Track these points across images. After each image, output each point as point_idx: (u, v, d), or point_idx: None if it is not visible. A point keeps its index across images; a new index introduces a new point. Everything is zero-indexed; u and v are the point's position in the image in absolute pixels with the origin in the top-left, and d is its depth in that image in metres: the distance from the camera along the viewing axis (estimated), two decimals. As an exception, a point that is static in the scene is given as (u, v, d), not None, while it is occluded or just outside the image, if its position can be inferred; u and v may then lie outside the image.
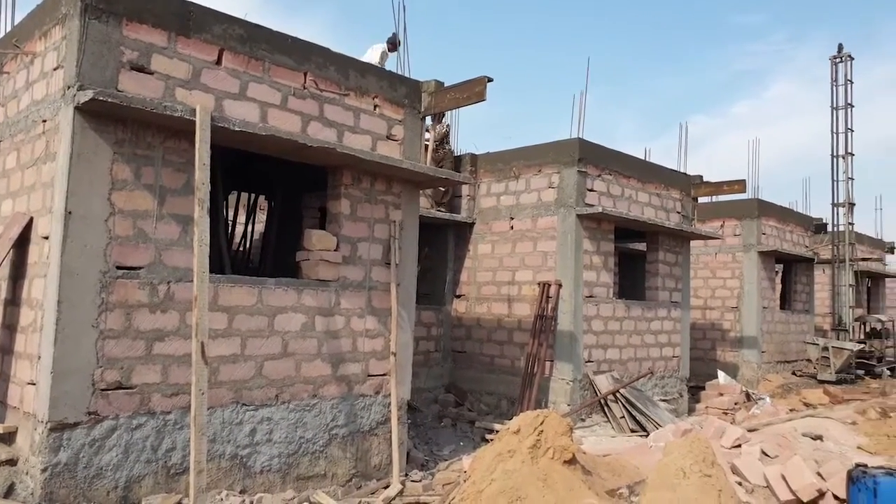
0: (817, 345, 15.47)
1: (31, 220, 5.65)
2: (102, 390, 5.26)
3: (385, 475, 7.01)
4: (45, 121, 5.59)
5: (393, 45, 12.20)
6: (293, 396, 6.44)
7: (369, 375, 7.06)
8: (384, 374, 7.16)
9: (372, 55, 11.91)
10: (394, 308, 7.16)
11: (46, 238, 5.32)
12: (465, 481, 5.91)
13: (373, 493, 6.70)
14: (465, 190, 11.92)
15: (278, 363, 6.34)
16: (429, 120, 11.17)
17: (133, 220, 5.45)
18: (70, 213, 5.12)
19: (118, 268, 5.37)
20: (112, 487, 5.30)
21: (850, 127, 16.59)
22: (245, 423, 6.09)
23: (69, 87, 5.18)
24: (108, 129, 5.32)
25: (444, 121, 12.37)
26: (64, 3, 5.42)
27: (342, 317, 6.84)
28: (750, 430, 8.82)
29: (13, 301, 5.84)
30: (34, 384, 5.25)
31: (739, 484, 6.78)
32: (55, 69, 5.50)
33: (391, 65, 11.88)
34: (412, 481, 6.98)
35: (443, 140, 12.22)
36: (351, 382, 6.91)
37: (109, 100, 5.00)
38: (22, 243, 5.70)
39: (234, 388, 6.02)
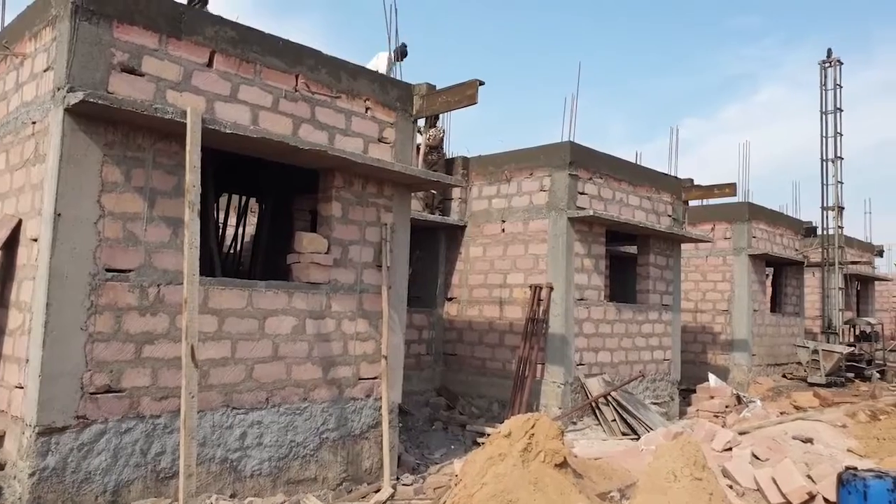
0: (807, 348, 15.54)
1: (20, 222, 5.61)
2: (91, 394, 5.22)
3: (376, 479, 6.99)
4: (34, 122, 5.55)
5: (401, 54, 12.21)
6: (284, 400, 6.42)
7: (360, 379, 7.05)
8: (375, 378, 7.14)
9: (377, 63, 11.84)
10: (385, 311, 7.14)
11: (35, 240, 5.28)
12: (456, 485, 5.90)
13: (363, 497, 6.68)
14: (456, 193, 11.92)
15: (269, 366, 6.31)
16: (421, 122, 11.18)
17: (123, 222, 5.42)
18: (59, 215, 5.08)
19: (108, 270, 5.33)
20: (101, 492, 5.26)
21: (839, 131, 16.70)
22: (235, 427, 6.06)
23: (59, 89, 5.15)
24: (99, 131, 5.29)
25: (438, 124, 12.37)
26: (54, 5, 5.39)
27: (333, 320, 6.82)
28: (740, 433, 8.85)
29: (1, 304, 5.79)
30: (22, 388, 5.20)
31: (730, 487, 6.79)
32: (45, 71, 5.47)
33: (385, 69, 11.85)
34: (403, 485, 6.97)
35: (438, 146, 12.22)
36: (342, 386, 6.89)
37: (100, 101, 4.97)
38: (10, 245, 5.66)
39: (224, 391, 5.99)
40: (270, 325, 6.32)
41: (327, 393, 6.76)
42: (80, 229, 5.19)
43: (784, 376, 16.01)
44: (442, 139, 12.33)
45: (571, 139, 10.95)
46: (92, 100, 4.93)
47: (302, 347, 6.56)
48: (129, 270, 5.45)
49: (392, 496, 6.62)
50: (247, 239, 11.12)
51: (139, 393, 5.48)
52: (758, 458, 7.53)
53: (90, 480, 5.20)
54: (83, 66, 5.20)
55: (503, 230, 11.29)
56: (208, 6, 8.68)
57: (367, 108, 7.14)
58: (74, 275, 5.15)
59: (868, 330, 18.69)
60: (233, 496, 5.98)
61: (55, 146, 5.14)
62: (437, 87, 7.53)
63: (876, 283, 24.35)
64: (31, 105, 5.67)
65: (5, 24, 6.54)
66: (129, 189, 5.46)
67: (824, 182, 16.88)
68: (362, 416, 7.04)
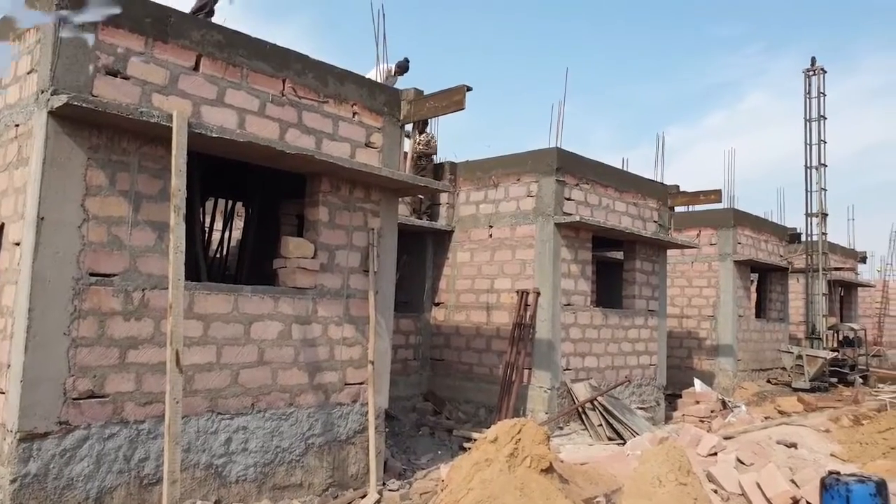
0: (792, 353, 15.68)
1: (3, 225, 5.55)
2: (74, 399, 5.17)
3: (362, 484, 6.97)
4: (17, 125, 5.51)
5: (402, 68, 12.18)
6: (269, 405, 6.38)
7: (347, 384, 7.02)
8: (362, 383, 7.12)
9: (375, 74, 11.82)
10: (372, 316, 7.13)
11: (18, 244, 5.23)
12: (442, 490, 5.89)
13: (350, 503, 6.65)
14: (444, 198, 11.94)
15: (254, 371, 6.28)
16: (409, 127, 11.18)
17: (107, 226, 5.38)
18: (42, 218, 5.04)
19: (91, 275, 5.29)
20: (83, 498, 5.20)
21: (822, 139, 16.87)
22: (220, 433, 6.02)
23: (42, 92, 5.10)
24: (83, 135, 5.25)
25: (428, 129, 12.38)
26: (39, 6, 5.35)
27: (319, 325, 6.80)
28: (726, 438, 8.90)
29: (-17, 308, 5.73)
30: (3, 393, 5.14)
31: (715, 492, 6.83)
32: (28, 73, 5.42)
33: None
34: (389, 490, 6.95)
35: (431, 153, 12.23)
36: (328, 391, 6.86)
37: (84, 105, 4.94)
38: (-8, 249, 5.60)
39: (209, 396, 5.95)
40: (256, 331, 6.29)
41: (313, 398, 6.73)
42: (64, 233, 5.15)
43: (769, 381, 16.12)
44: (435, 145, 12.37)
45: (558, 145, 10.99)
46: (76, 103, 4.89)
47: (288, 353, 6.53)
48: (114, 275, 5.41)
49: (378, 502, 6.60)
50: (233, 243, 11.07)
51: (123, 398, 5.43)
52: (742, 463, 7.58)
53: (72, 487, 5.15)
54: (67, 69, 5.16)
55: (490, 235, 11.31)
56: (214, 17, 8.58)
57: (354, 113, 7.13)
58: (57, 279, 5.10)
59: (851, 335, 18.85)
60: (217, 502, 5.93)
61: (38, 149, 5.10)
62: (425, 93, 7.55)
63: (859, 289, 24.58)
64: (14, 108, 5.62)
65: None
66: (114, 193, 5.42)
67: (808, 189, 17.05)
68: (348, 422, 7.02)
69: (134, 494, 5.45)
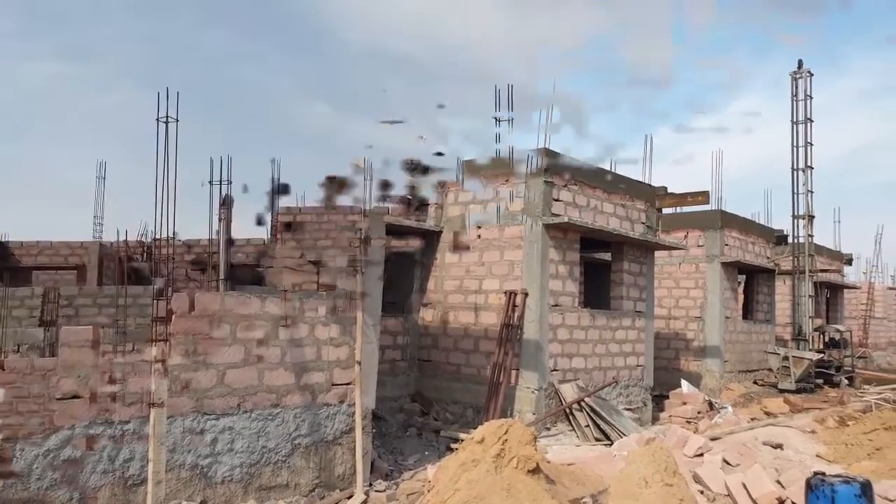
0: (778, 354, 15.78)
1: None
2: (58, 399, 5.13)
3: (349, 485, 6.94)
4: None
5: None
6: (256, 405, 6.35)
7: (333, 384, 7.00)
8: (349, 383, 7.10)
9: None
10: (359, 317, 7.11)
11: None
12: (429, 491, 5.89)
13: (336, 504, 6.64)
14: (432, 198, 11.92)
15: (241, 372, 6.25)
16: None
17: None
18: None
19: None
20: (67, 499, 5.16)
21: (809, 141, 16.99)
22: (206, 433, 5.98)
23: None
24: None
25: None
26: None
27: (306, 325, 6.77)
28: (712, 439, 8.95)
29: (-35, 307, 5.68)
30: (-14, 393, 5.09)
31: (701, 492, 6.86)
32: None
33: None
34: (376, 491, 6.94)
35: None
36: (315, 391, 6.84)
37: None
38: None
39: (195, 396, 5.92)
40: (243, 330, 6.26)
41: (300, 399, 6.70)
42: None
43: (755, 382, 16.21)
44: None
45: (546, 146, 11.01)
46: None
47: (274, 353, 6.50)
48: (99, 274, 5.36)
49: (365, 502, 6.58)
50: (220, 243, 11.00)
51: (108, 398, 5.39)
52: (729, 464, 7.62)
53: (56, 487, 5.10)
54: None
55: (479, 236, 11.30)
56: None
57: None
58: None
59: (837, 337, 18.99)
60: (203, 502, 5.90)
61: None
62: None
63: (845, 290, 24.78)
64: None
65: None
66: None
67: (795, 191, 17.16)
68: (335, 422, 6.99)
69: (118, 495, 5.41)
